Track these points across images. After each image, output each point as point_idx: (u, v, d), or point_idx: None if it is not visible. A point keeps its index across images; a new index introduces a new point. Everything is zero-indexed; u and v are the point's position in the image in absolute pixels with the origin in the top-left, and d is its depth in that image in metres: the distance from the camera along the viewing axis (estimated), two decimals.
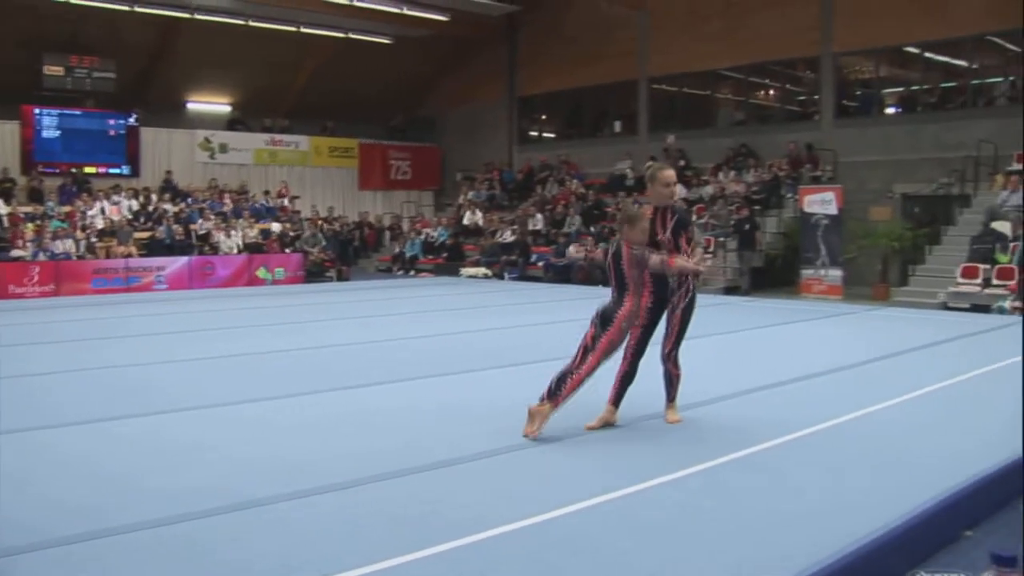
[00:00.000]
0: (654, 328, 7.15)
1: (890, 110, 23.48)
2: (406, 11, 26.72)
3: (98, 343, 12.15)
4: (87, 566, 4.29)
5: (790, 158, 23.31)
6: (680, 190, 24.20)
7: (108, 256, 21.89)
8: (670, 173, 7.26)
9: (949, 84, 22.55)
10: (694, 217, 22.32)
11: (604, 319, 6.91)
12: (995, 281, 17.00)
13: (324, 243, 26.01)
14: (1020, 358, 9.90)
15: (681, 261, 6.90)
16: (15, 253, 20.73)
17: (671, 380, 7.31)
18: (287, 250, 24.77)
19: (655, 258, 6.84)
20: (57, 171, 25.47)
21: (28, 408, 7.70)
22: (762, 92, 26.67)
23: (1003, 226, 17.99)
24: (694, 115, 27.16)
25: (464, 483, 5.53)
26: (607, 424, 7.07)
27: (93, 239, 22.28)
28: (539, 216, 26.48)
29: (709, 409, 7.64)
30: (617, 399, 7.18)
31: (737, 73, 26.02)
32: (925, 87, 22.67)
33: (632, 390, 7.14)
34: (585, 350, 6.89)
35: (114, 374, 9.54)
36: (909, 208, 21.52)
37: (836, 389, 8.60)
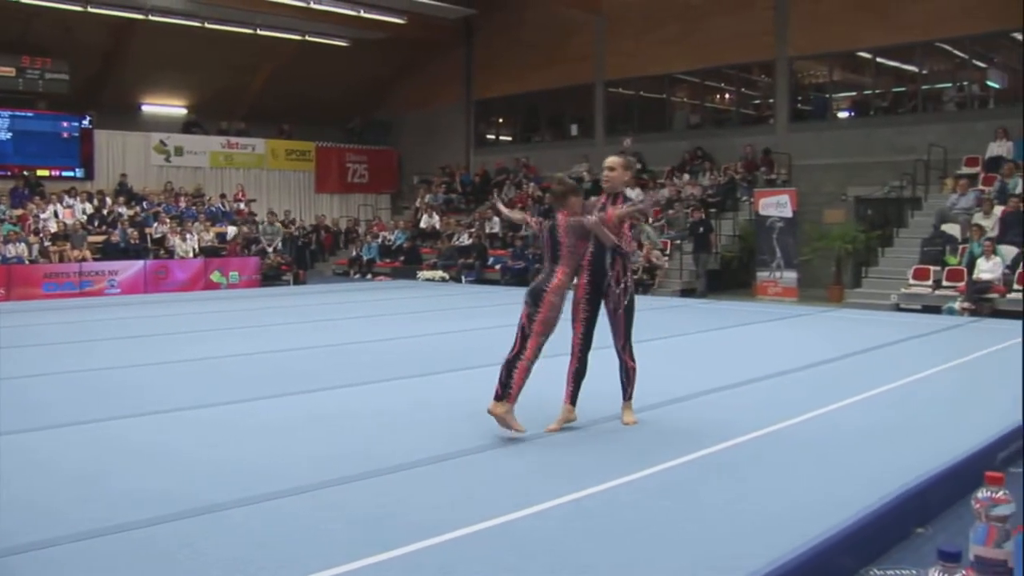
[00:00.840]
0: (595, 320, 7.28)
1: (843, 114, 23.76)
2: (363, 14, 26.66)
3: (52, 348, 12.02)
4: (45, 570, 4.26)
5: (745, 161, 23.51)
6: (636, 193, 24.35)
7: (62, 260, 21.63)
8: (611, 159, 7.34)
9: (900, 89, 22.88)
10: (651, 220, 22.51)
11: (534, 296, 6.97)
12: (945, 283, 17.25)
13: (281, 234, 25.96)
14: (966, 360, 10.08)
15: (619, 211, 6.91)
16: None
17: (628, 374, 7.36)
18: (246, 252, 24.62)
19: (591, 218, 6.87)
20: (9, 174, 25.11)
21: None
22: (718, 96, 26.88)
23: (953, 228, 18.27)
24: (650, 118, 27.30)
25: (423, 486, 5.55)
26: (568, 423, 7.14)
27: (46, 243, 22.01)
28: (496, 219, 26.50)
29: (665, 411, 7.71)
30: (573, 397, 7.25)
31: (693, 77, 26.21)
32: (877, 91, 22.96)
33: (590, 391, 7.20)
34: (523, 334, 6.98)
35: (70, 379, 9.44)
36: (862, 211, 21.80)
37: (790, 390, 8.70)
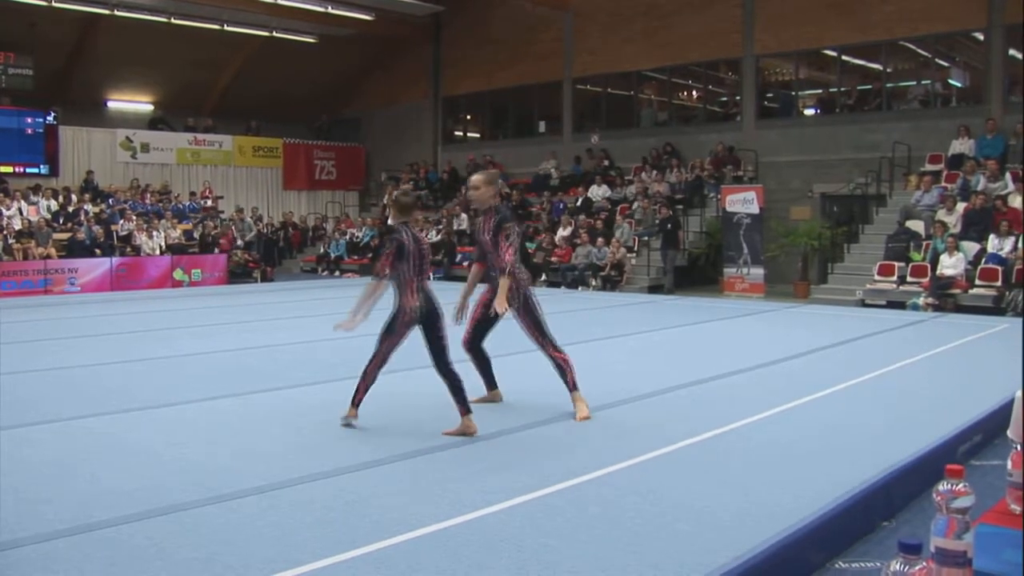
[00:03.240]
0: (488, 321, 7.67)
1: (809, 111, 23.91)
2: (331, 10, 26.56)
3: (17, 346, 11.87)
4: (11, 570, 4.23)
5: (713, 158, 23.61)
6: (604, 190, 24.43)
7: (26, 258, 21.40)
8: (474, 178, 7.67)
9: (865, 87, 23.04)
10: (619, 217, 22.58)
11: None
12: (910, 278, 17.41)
13: (255, 231, 25.88)
14: (929, 355, 10.18)
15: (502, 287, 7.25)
16: None
17: (560, 367, 7.44)
18: (215, 250, 24.47)
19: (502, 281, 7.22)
20: None
21: None
22: (685, 93, 26.97)
23: (917, 225, 18.44)
24: (618, 115, 27.33)
25: (389, 483, 5.54)
26: (495, 400, 7.72)
27: (10, 240, 21.77)
28: (464, 216, 26.48)
29: (630, 407, 7.75)
30: (490, 383, 7.80)
31: (660, 74, 26.28)
32: (842, 89, 23.12)
33: (556, 387, 7.22)
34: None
35: (29, 379, 9.34)
36: (828, 207, 21.95)
37: (754, 386, 8.75)
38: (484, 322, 7.72)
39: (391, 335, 7.04)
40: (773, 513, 4.83)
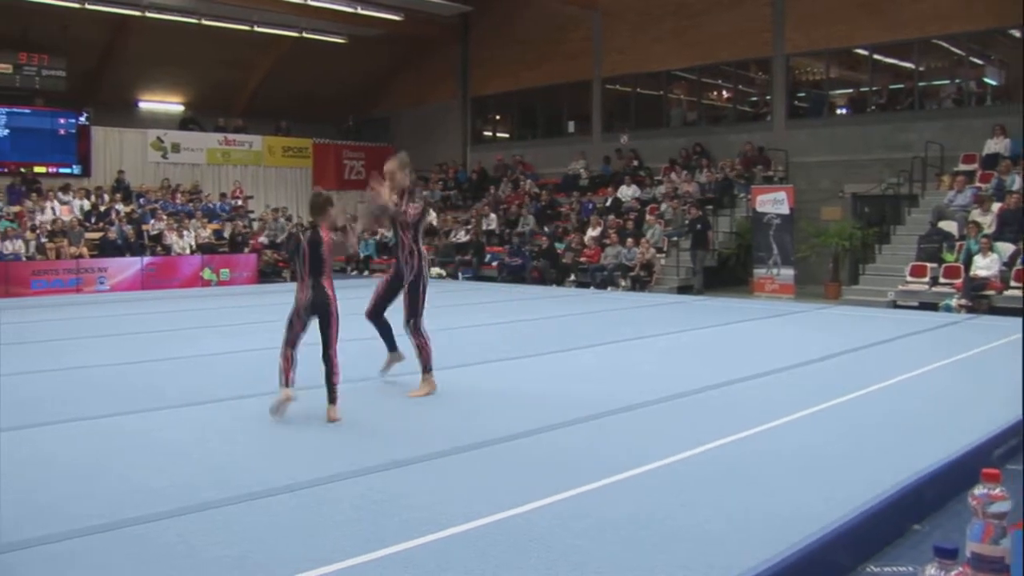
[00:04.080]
0: (390, 295, 8.59)
1: (840, 111, 23.75)
2: (360, 11, 26.61)
3: (45, 345, 11.99)
4: (37, 569, 4.25)
5: (743, 158, 23.50)
6: (633, 190, 24.38)
7: (59, 257, 21.60)
8: (387, 164, 8.99)
9: (897, 86, 22.86)
10: (649, 217, 22.55)
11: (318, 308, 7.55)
12: (942, 280, 17.25)
13: (285, 231, 26.01)
14: (962, 357, 10.08)
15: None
16: None
17: (418, 350, 8.19)
18: (245, 250, 24.60)
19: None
20: (6, 171, 25.07)
21: None
22: (715, 93, 26.86)
23: (950, 225, 18.27)
24: (647, 115, 27.24)
25: (416, 482, 5.54)
26: (398, 360, 8.69)
27: (43, 239, 21.99)
28: (493, 216, 26.51)
29: (659, 408, 7.70)
30: (391, 346, 8.72)
31: (690, 74, 26.17)
32: (874, 88, 22.94)
33: (584, 388, 7.19)
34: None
35: (63, 376, 9.44)
36: (859, 207, 21.80)
37: (785, 388, 8.70)
38: (385, 297, 8.67)
39: (290, 324, 7.55)
40: (803, 515, 4.78)
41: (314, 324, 7.49)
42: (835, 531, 4.52)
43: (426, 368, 8.26)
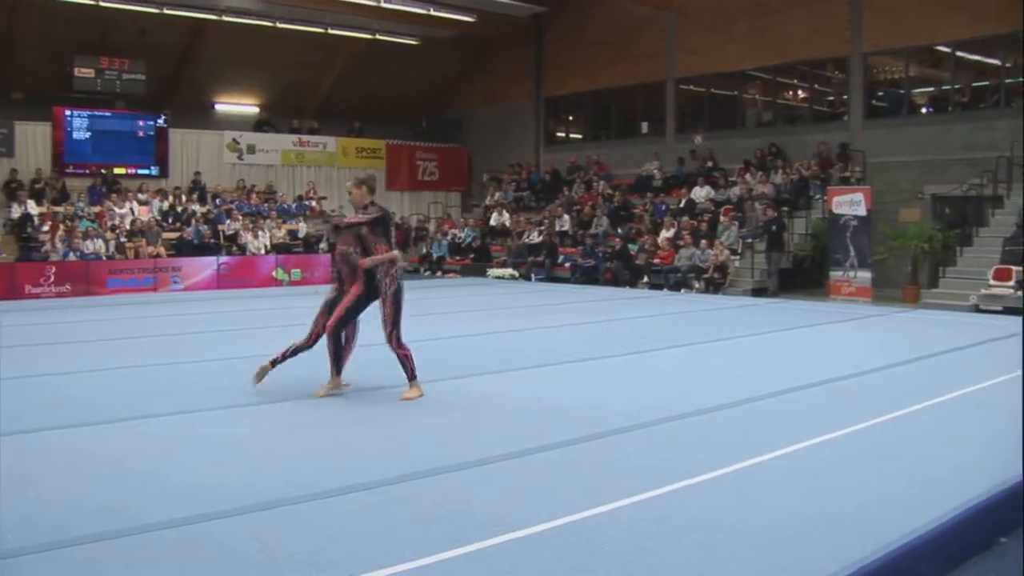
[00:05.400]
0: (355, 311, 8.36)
1: (920, 110, 23.27)
2: (433, 12, 26.71)
3: (118, 343, 12.20)
4: (113, 563, 4.30)
5: (819, 159, 23.15)
6: (707, 191, 24.18)
7: (137, 256, 22.02)
8: (348, 184, 9.06)
9: (981, 83, 22.32)
10: (723, 218, 22.33)
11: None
12: None
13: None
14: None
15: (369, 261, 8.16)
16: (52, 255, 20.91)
17: (402, 362, 8.06)
18: (320, 248, 24.87)
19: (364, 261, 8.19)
20: (87, 172, 25.63)
21: (48, 408, 7.74)
22: (790, 92, 26.51)
23: None
24: (722, 115, 26.97)
25: (489, 483, 5.53)
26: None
27: (122, 239, 22.43)
28: (566, 217, 26.45)
29: (731, 412, 7.59)
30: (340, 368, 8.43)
31: (765, 73, 25.85)
32: (956, 86, 22.42)
33: (660, 391, 7.10)
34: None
35: (135, 374, 9.59)
36: (939, 209, 21.30)
37: (862, 392, 8.55)
38: (354, 312, 8.38)
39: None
40: (882, 524, 4.67)
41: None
42: (916, 540, 4.40)
43: (412, 376, 8.10)
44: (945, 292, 18.07)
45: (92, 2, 23.42)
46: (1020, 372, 9.58)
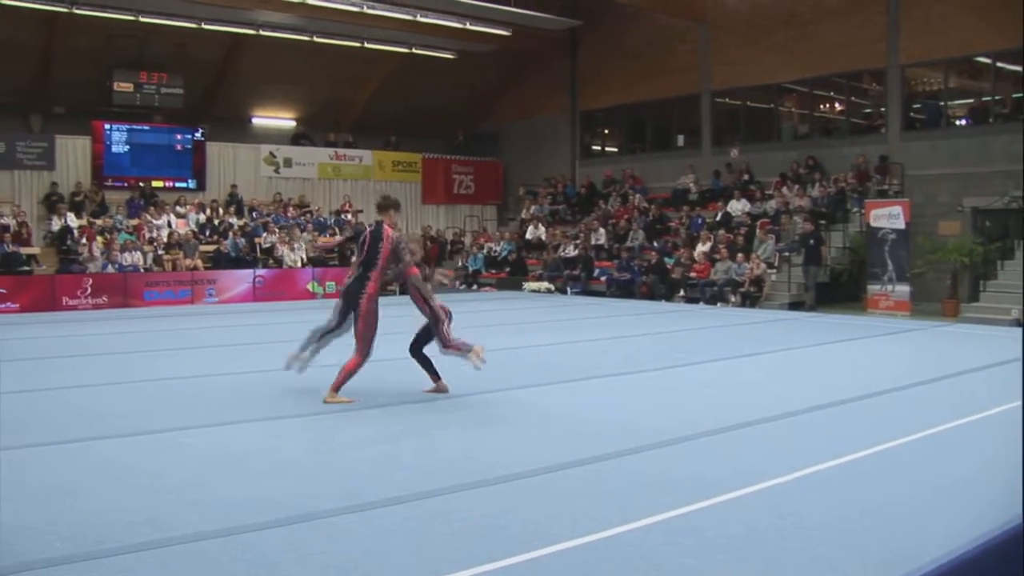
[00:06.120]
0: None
1: (960, 122, 23.04)
2: (469, 26, 26.79)
3: (150, 355, 12.28)
4: (150, 571, 4.33)
5: (856, 171, 22.98)
6: (743, 204, 24.07)
7: (174, 269, 22.22)
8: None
9: (1022, 95, 22.06)
10: (759, 232, 22.21)
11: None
12: None
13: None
14: None
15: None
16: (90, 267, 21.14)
17: (350, 371, 8.57)
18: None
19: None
20: (126, 185, 25.90)
21: (85, 419, 7.81)
22: (827, 105, 26.34)
23: None
24: (758, 128, 26.87)
25: (525, 498, 5.51)
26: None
27: (160, 252, 22.64)
28: (602, 230, 26.41)
29: (768, 427, 7.54)
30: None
31: (801, 86, 25.72)
32: (996, 97, 22.19)
33: (695, 406, 7.07)
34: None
35: (168, 386, 9.65)
36: (980, 222, 21.07)
37: (902, 407, 8.48)
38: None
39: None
40: (921, 544, 4.62)
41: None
42: (956, 561, 4.32)
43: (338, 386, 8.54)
44: (986, 306, 17.88)
45: (132, 17, 23.68)
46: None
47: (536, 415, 7.96)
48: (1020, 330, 15.75)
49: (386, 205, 9.13)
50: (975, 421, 7.76)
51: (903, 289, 19.33)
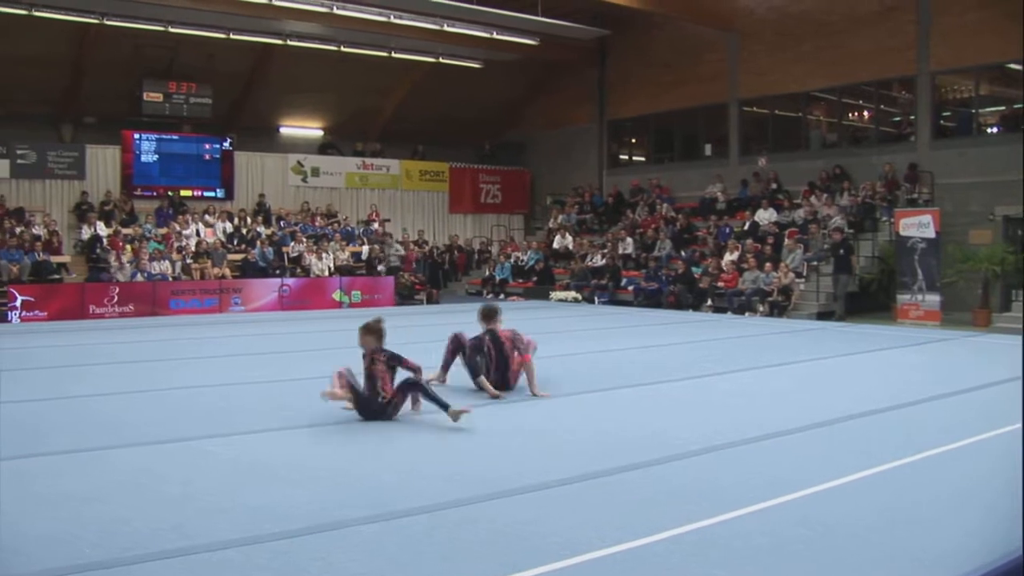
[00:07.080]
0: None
1: (991, 130, 22.84)
2: (496, 36, 26.81)
3: (176, 363, 12.33)
4: None
5: (885, 180, 22.82)
6: (771, 213, 23.96)
7: (203, 277, 22.34)
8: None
9: None
10: (787, 241, 22.10)
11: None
12: None
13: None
14: None
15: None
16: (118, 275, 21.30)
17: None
18: (380, 268, 25.03)
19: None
20: (154, 194, 26.11)
21: (110, 427, 7.83)
22: (855, 113, 26.19)
23: None
24: (786, 137, 26.75)
25: (551, 508, 5.47)
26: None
27: (188, 260, 22.77)
28: (629, 240, 26.36)
29: (796, 437, 7.46)
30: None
31: (830, 94, 25.59)
32: None
33: (723, 416, 7.01)
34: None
35: (194, 394, 9.69)
36: (1011, 231, 20.85)
37: (934, 418, 8.39)
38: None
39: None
40: (955, 557, 4.56)
41: None
42: (995, 572, 4.26)
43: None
44: (1018, 316, 17.72)
45: (161, 28, 23.87)
46: None
47: (562, 424, 7.93)
48: None
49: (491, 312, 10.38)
50: (1006, 433, 7.65)
51: (933, 299, 19.18)
